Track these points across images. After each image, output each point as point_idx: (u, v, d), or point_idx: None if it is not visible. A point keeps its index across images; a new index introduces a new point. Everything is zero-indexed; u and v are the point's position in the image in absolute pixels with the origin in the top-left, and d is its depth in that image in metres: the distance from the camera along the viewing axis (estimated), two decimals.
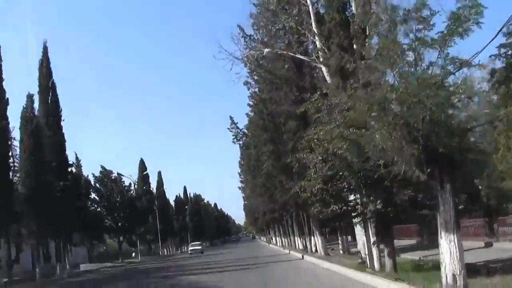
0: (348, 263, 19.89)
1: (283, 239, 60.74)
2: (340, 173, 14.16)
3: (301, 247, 42.08)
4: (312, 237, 34.83)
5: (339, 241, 32.60)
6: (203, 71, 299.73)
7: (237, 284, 17.52)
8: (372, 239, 17.63)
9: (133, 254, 65.35)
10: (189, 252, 66.39)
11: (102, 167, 59.66)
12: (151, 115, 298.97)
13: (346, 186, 14.53)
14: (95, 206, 57.68)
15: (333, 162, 13.98)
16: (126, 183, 63.63)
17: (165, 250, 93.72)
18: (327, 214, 17.31)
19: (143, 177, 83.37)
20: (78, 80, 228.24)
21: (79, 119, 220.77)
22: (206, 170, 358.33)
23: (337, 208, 14.96)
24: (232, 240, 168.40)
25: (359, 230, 24.60)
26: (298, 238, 43.00)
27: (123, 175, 61.70)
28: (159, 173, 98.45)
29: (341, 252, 31.14)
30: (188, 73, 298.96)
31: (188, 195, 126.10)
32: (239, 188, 65.31)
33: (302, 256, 30.66)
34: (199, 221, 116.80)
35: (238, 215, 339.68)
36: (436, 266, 16.39)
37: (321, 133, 14.64)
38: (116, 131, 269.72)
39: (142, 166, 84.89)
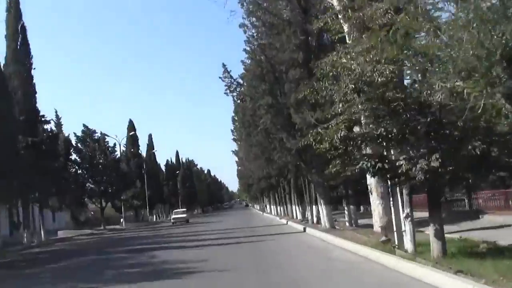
0: (368, 242, 15.46)
1: (278, 207, 56.56)
2: (378, 113, 9.53)
3: (299, 217, 37.82)
4: (314, 206, 30.50)
5: (345, 212, 28.17)
6: (198, 20, 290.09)
7: (228, 268, 12.95)
8: (405, 211, 13.13)
9: (122, 220, 60.97)
10: (172, 221, 57.45)
11: (84, 125, 54.79)
12: (142, 76, 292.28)
13: (383, 134, 9.83)
14: (76, 168, 52.89)
15: (369, 95, 9.33)
16: (113, 145, 58.42)
17: (155, 217, 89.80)
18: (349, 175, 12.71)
19: (132, 139, 78.88)
20: (63, 36, 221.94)
21: (65, 78, 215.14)
22: (201, 137, 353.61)
23: (369, 166, 10.22)
24: (225, 207, 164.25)
25: (375, 199, 20.23)
26: (297, 207, 38.68)
27: (107, 135, 56.87)
28: (150, 135, 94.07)
29: (347, 224, 26.79)
30: (180, 23, 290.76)
31: (180, 160, 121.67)
32: (233, 151, 60.51)
33: (304, 229, 26.24)
34: (191, 187, 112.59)
35: (231, 183, 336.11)
36: (495, 250, 12.14)
37: (352, 55, 9.92)
38: (105, 91, 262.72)
39: (131, 127, 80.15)
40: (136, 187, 73.01)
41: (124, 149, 77.47)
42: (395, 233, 13.91)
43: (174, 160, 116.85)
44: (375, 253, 12.92)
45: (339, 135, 10.20)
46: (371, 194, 20.59)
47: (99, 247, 26.60)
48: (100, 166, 53.87)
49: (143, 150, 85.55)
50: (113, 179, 54.67)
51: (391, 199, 17.97)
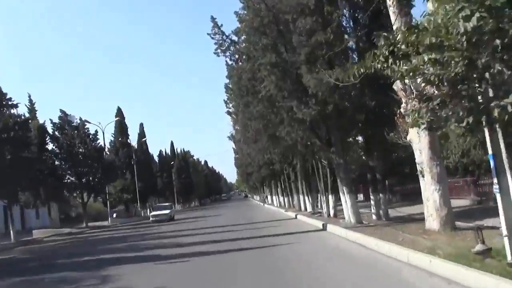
0: (435, 248, 9.61)
1: (282, 198, 50.61)
2: None
3: (309, 208, 31.94)
4: (330, 196, 24.66)
5: (371, 201, 22.11)
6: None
7: None
8: None
9: (114, 215, 54.75)
10: (151, 219, 44.55)
11: (62, 111, 48.34)
12: (135, 65, 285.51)
13: None
14: (54, 158, 46.64)
15: None
16: (94, 132, 51.29)
17: (148, 211, 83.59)
18: None
19: (121, 128, 72.76)
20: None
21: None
22: (197, 129, 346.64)
23: None
24: (223, 199, 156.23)
25: (429, 183, 14.36)
26: (306, 197, 32.71)
27: (88, 122, 50.27)
28: (141, 124, 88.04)
29: (374, 217, 20.94)
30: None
31: (175, 151, 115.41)
32: (229, 137, 53.41)
33: (324, 226, 20.17)
34: (187, 178, 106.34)
35: (230, 174, 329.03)
36: None
37: None
38: (91, 79, 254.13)
39: (120, 115, 73.94)
40: (126, 179, 67.31)
41: (112, 138, 72.12)
42: (506, 239, 8.00)
43: (169, 152, 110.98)
44: (489, 280, 6.97)
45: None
46: (422, 176, 14.73)
47: (54, 256, 20.38)
48: (80, 156, 47.49)
49: (135, 141, 79.82)
50: (95, 170, 48.42)
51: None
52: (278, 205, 52.70)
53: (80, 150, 47.84)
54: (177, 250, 16.72)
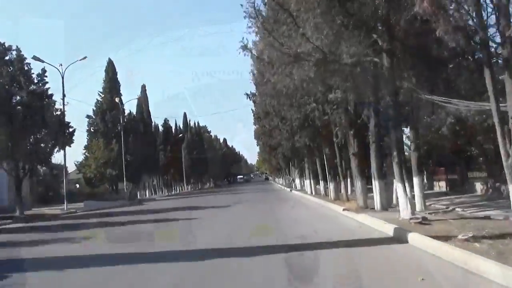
0: None
1: (322, 183, 32.93)
2: None
3: (406, 209, 14.46)
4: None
5: None
6: None
7: None
8: None
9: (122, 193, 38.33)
10: None
11: None
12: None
13: None
14: None
15: None
16: (41, 72, 32.66)
17: (147, 192, 67.55)
18: None
19: (111, 85, 57.50)
20: None
21: None
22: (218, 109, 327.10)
23: None
24: (238, 181, 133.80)
25: None
26: (403, 184, 14.68)
27: (39, 59, 32.41)
28: (143, 86, 73.02)
29: None
30: None
31: (188, 123, 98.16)
32: (247, 94, 33.51)
33: None
34: (199, 155, 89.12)
35: (252, 156, 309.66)
36: None
37: None
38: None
39: (111, 69, 58.34)
40: (112, 150, 51.30)
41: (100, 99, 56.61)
42: None
43: (181, 125, 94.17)
44: None
45: None
46: None
47: None
48: (16, 106, 30.16)
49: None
50: (38, 127, 30.58)
51: None
52: (313, 193, 35.55)
53: (15, 97, 30.38)
54: None
